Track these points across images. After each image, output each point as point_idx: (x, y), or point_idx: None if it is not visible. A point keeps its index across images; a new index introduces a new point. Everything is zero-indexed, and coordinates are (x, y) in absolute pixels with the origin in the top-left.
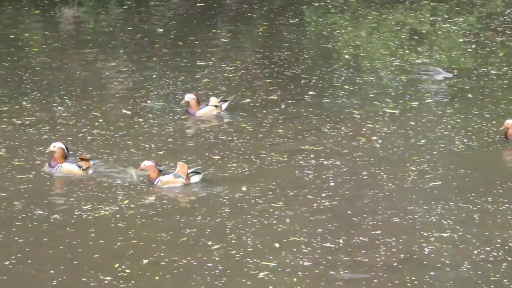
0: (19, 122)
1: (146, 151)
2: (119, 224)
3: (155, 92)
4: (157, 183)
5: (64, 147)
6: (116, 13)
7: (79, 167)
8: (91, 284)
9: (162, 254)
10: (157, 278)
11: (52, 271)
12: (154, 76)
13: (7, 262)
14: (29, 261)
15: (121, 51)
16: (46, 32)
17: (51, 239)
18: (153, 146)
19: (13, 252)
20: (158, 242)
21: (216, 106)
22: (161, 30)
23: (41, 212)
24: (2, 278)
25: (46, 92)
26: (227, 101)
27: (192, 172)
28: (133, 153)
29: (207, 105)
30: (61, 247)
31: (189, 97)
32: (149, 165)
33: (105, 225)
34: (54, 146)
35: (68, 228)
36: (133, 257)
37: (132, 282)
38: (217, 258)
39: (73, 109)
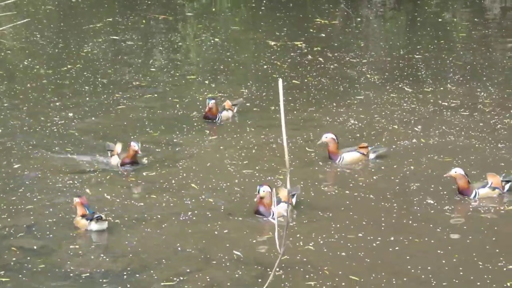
0: (445, 103)
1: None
2: None
3: None
4: (475, 196)
5: (334, 137)
6: None
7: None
8: None
9: None
10: None
11: None
12: None
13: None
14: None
15: None
16: (475, 19)
17: None
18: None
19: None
20: None
21: None
22: None
23: None
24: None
25: (468, 76)
26: None
27: (504, 180)
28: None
29: None
30: None
31: None
32: None
33: None
34: (326, 137)
35: None
36: None
37: None
38: None
39: (495, 96)
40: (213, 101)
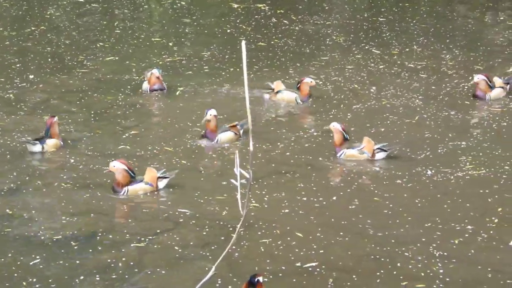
0: (412, 66)
1: None
2: None
3: None
4: (340, 155)
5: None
6: None
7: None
8: None
9: None
10: None
11: None
12: None
13: None
14: None
15: None
16: None
17: None
18: None
19: None
20: None
21: None
22: None
23: None
24: None
25: (432, 39)
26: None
27: (378, 148)
28: None
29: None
30: None
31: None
32: None
33: None
34: (210, 114)
35: None
36: None
37: None
38: None
39: (460, 58)
40: (155, 70)
